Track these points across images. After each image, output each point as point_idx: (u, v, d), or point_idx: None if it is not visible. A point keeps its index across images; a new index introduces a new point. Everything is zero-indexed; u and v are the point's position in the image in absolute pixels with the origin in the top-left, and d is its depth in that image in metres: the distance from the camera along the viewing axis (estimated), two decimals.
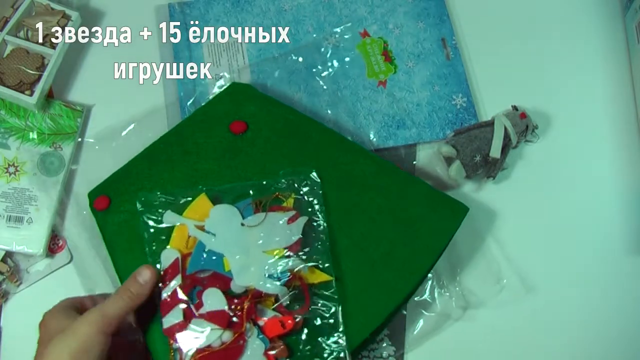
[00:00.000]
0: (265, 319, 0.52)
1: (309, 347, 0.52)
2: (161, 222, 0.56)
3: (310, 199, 0.57)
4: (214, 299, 0.52)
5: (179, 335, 0.51)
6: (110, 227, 0.58)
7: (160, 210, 0.56)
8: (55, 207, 0.64)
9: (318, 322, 0.53)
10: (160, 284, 0.53)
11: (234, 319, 0.52)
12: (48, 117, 0.67)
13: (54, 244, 0.64)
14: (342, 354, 0.52)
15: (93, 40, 0.72)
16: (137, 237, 0.56)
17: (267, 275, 0.53)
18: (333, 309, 0.53)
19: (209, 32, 0.72)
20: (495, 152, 0.63)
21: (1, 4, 0.68)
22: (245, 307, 0.52)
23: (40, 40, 0.67)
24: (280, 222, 0.55)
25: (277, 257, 0.54)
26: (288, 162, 0.59)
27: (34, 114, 0.67)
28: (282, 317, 0.52)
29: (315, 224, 0.56)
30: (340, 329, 0.53)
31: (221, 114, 0.63)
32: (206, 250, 0.54)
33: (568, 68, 0.72)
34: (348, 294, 0.54)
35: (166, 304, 0.52)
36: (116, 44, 0.72)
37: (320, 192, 0.57)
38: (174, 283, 0.53)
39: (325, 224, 0.56)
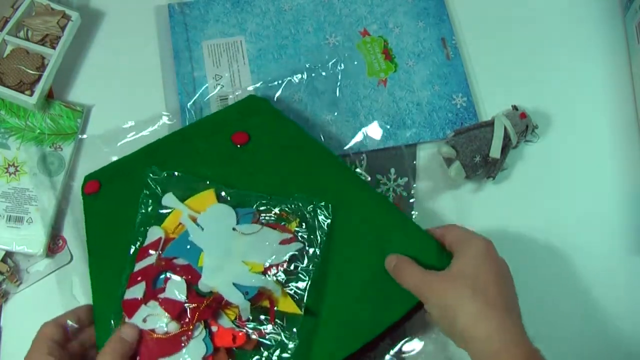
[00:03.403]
0: (219, 327, 0.51)
1: None
2: (160, 201, 0.56)
3: (315, 230, 0.55)
4: (175, 288, 0.52)
5: (131, 311, 0.52)
6: (93, 211, 0.59)
7: (164, 190, 0.57)
8: (55, 207, 0.64)
9: (271, 351, 0.51)
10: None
11: (188, 314, 0.51)
12: (48, 117, 0.67)
13: (54, 244, 0.64)
14: None
15: (93, 40, 0.72)
16: (115, 227, 0.57)
17: (234, 285, 0.52)
18: (291, 345, 0.51)
19: (209, 32, 0.72)
20: (495, 152, 0.63)
21: (1, 4, 0.68)
22: (202, 307, 0.51)
23: (40, 40, 0.67)
24: (273, 240, 0.54)
25: (252, 271, 0.53)
26: (282, 182, 0.58)
27: (34, 114, 0.67)
28: (236, 331, 0.51)
29: (308, 255, 0.54)
30: None
31: (226, 123, 0.62)
32: (189, 240, 0.54)
33: (568, 68, 0.72)
34: (316, 326, 0.52)
35: (134, 277, 0.53)
36: (116, 44, 0.72)
37: (327, 228, 0.55)
38: (148, 260, 0.53)
39: (318, 260, 0.54)
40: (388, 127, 0.68)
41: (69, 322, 0.53)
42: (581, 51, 0.73)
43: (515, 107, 0.67)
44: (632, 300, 0.64)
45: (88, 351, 0.54)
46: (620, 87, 0.72)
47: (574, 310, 0.63)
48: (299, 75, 0.70)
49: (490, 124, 0.65)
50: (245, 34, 0.72)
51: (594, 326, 0.63)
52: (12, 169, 0.65)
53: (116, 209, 0.58)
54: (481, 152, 0.63)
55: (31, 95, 0.65)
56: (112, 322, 0.52)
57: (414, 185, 0.67)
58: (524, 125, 0.66)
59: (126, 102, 0.69)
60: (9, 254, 0.63)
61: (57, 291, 0.62)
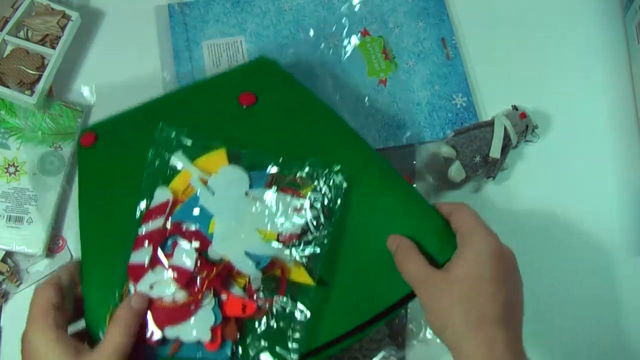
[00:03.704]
0: (229, 295, 0.49)
1: (259, 342, 0.49)
2: (168, 160, 0.54)
3: (329, 198, 0.52)
4: (184, 255, 0.50)
5: (137, 277, 0.50)
6: (87, 164, 0.57)
7: (172, 148, 0.54)
8: (55, 207, 0.64)
9: (281, 322, 0.49)
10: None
11: (198, 282, 0.49)
12: (48, 117, 0.67)
13: (54, 244, 0.64)
14: None
15: (93, 40, 0.72)
16: (109, 181, 0.55)
17: (246, 253, 0.50)
18: (301, 317, 0.49)
19: (209, 32, 0.72)
20: (495, 152, 0.63)
21: (1, 4, 0.68)
22: (211, 275, 0.49)
23: (40, 40, 0.67)
24: (287, 206, 0.51)
25: (266, 239, 0.50)
26: (290, 146, 0.55)
27: (34, 114, 0.67)
28: (246, 301, 0.49)
29: (322, 223, 0.52)
30: (297, 336, 0.49)
31: (233, 83, 0.60)
32: (199, 204, 0.52)
33: (568, 68, 0.72)
34: (326, 298, 0.51)
35: (140, 240, 0.51)
36: (116, 44, 0.72)
37: (341, 197, 0.52)
38: (155, 223, 0.51)
39: (332, 229, 0.51)
40: (388, 127, 0.68)
41: (64, 281, 0.51)
42: (581, 51, 0.73)
43: (515, 107, 0.67)
44: (633, 300, 0.64)
45: (80, 308, 0.52)
46: (620, 87, 0.72)
47: (574, 309, 0.63)
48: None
49: (490, 124, 0.65)
50: (245, 34, 0.72)
51: (594, 326, 0.63)
52: (12, 169, 0.65)
53: (112, 164, 0.56)
54: (481, 152, 0.63)
55: (31, 95, 0.65)
56: (117, 288, 0.50)
57: (414, 185, 0.67)
58: (524, 125, 0.66)
59: (126, 102, 0.68)
60: (9, 254, 0.63)
61: None
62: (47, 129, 0.66)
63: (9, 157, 0.65)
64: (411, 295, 0.51)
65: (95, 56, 0.71)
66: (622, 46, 0.73)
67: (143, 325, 0.49)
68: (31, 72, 0.66)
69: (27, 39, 0.67)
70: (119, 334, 0.47)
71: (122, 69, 0.71)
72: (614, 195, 0.67)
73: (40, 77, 0.66)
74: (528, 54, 0.73)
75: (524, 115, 0.66)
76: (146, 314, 0.49)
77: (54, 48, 0.67)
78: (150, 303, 0.49)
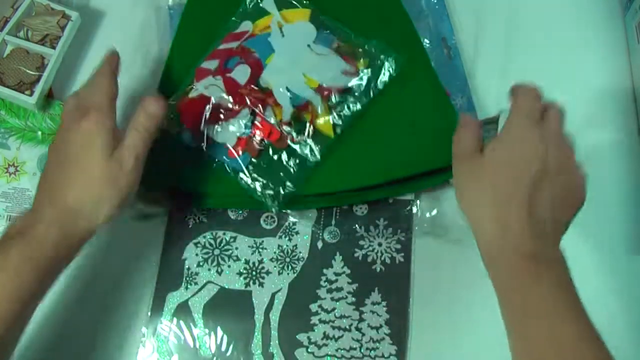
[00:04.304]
0: (263, 120, 0.60)
1: (267, 166, 0.59)
2: (260, 2, 0.65)
3: (377, 77, 0.62)
4: (241, 72, 0.61)
5: (200, 77, 0.62)
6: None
7: None
8: None
9: (293, 158, 0.59)
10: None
11: (246, 99, 0.60)
12: (48, 117, 0.67)
13: None
14: (282, 192, 0.59)
15: (93, 40, 0.72)
16: (211, 15, 0.67)
17: (287, 88, 0.60)
18: (312, 159, 0.59)
19: None
20: None
21: (1, 4, 0.68)
22: (255, 95, 0.60)
23: (40, 40, 0.67)
24: (337, 67, 0.61)
25: (307, 84, 0.60)
26: (353, 26, 0.64)
27: (34, 114, 0.67)
28: (274, 129, 0.59)
29: (360, 94, 0.61)
30: (300, 174, 0.59)
31: None
32: (268, 40, 0.63)
33: (568, 68, 0.72)
34: (340, 153, 0.60)
35: (214, 53, 0.64)
36: (116, 45, 0.72)
37: (389, 80, 0.62)
38: (230, 44, 0.64)
39: (366, 104, 0.61)
40: None
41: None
42: (581, 51, 0.73)
43: None
44: (632, 300, 0.64)
45: None
46: (620, 87, 0.72)
47: None
48: None
49: (495, 120, 0.64)
50: None
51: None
52: (12, 169, 0.65)
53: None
54: None
55: (31, 95, 0.65)
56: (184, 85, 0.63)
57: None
58: None
59: (125, 103, 0.68)
60: None
61: (56, 290, 0.62)
62: (47, 129, 0.66)
63: (9, 157, 0.65)
64: (408, 184, 0.63)
65: (95, 56, 0.71)
66: (622, 46, 0.74)
67: (190, 114, 0.60)
68: (31, 72, 0.66)
69: (27, 39, 0.67)
70: (138, 138, 0.52)
71: (121, 69, 0.70)
72: (614, 195, 0.67)
73: (40, 77, 0.66)
74: (528, 54, 0.73)
75: None
76: (160, 116, 0.54)
77: (54, 48, 0.67)
78: (202, 100, 0.60)
